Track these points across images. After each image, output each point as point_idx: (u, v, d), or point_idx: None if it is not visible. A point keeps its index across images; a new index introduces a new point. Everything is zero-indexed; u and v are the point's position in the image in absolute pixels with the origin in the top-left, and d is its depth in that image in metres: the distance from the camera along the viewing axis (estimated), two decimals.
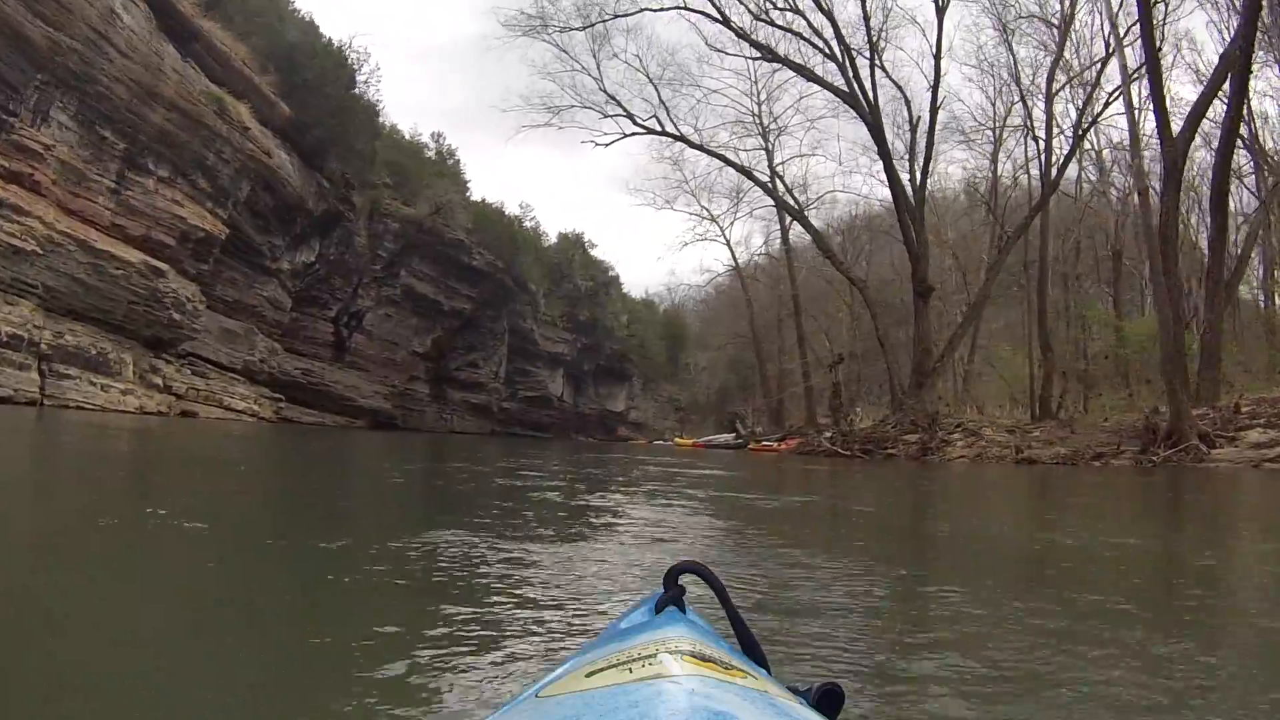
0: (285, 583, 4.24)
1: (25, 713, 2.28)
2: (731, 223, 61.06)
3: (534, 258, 64.43)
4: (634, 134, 37.86)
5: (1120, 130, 37.70)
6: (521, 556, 5.02)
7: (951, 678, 2.81)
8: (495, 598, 3.91)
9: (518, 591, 4.04)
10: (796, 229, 50.15)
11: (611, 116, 37.69)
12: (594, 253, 72.91)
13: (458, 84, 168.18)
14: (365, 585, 4.12)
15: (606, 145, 38.16)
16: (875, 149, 35.52)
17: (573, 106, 37.75)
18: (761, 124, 42.35)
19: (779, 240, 56.91)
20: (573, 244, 70.91)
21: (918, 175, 35.32)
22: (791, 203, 38.65)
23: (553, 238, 70.43)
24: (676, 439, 62.22)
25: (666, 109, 37.82)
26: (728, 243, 58.51)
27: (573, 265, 69.76)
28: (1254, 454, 17.38)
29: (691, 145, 38.39)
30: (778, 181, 40.04)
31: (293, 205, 40.26)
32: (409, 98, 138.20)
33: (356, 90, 44.07)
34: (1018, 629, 3.62)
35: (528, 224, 66.66)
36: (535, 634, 3.25)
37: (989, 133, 40.85)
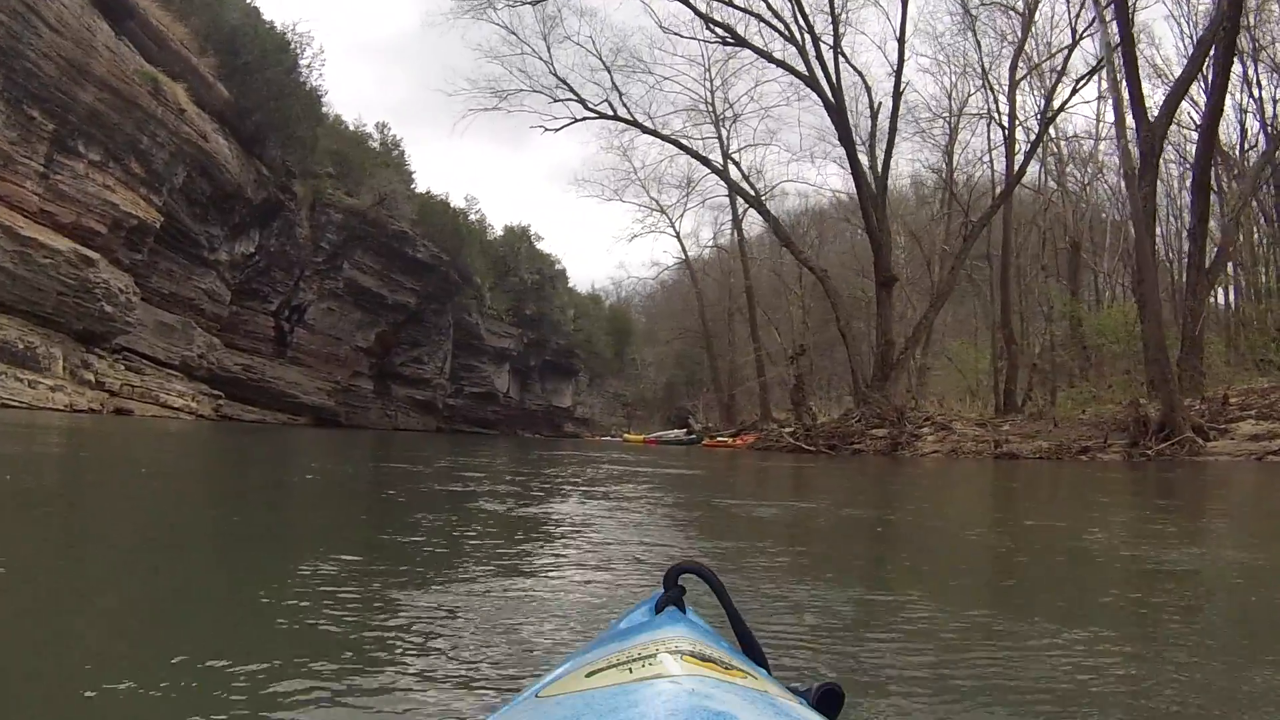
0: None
1: None
2: (681, 214, 60.04)
3: (479, 250, 63.03)
4: (585, 118, 36.70)
5: (1085, 119, 37.80)
6: (448, 598, 3.46)
7: None
8: (400, 665, 2.55)
9: (435, 653, 2.67)
10: (748, 221, 49.80)
11: (562, 101, 36.45)
12: (540, 246, 71.64)
13: (400, 78, 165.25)
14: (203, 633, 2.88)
15: (557, 130, 36.96)
16: (836, 134, 34.96)
17: (521, 90, 36.37)
18: (715, 111, 41.56)
19: (729, 232, 56.48)
20: (519, 236, 69.49)
21: (879, 162, 34.89)
22: (749, 189, 37.84)
23: (498, 230, 69.03)
24: (626, 435, 61.28)
25: (619, 93, 36.73)
26: (677, 235, 57.50)
27: (519, 258, 68.39)
28: (1255, 446, 16.94)
29: (645, 130, 37.38)
30: (732, 168, 39.20)
31: (231, 193, 38.34)
32: (351, 93, 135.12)
33: (299, 76, 42.21)
34: None
35: (473, 217, 65.25)
36: None
37: (943, 123, 40.69)
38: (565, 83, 36.18)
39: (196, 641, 2.63)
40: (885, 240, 34.63)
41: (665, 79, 43.85)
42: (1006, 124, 35.64)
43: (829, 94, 33.03)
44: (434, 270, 55.74)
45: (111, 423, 27.85)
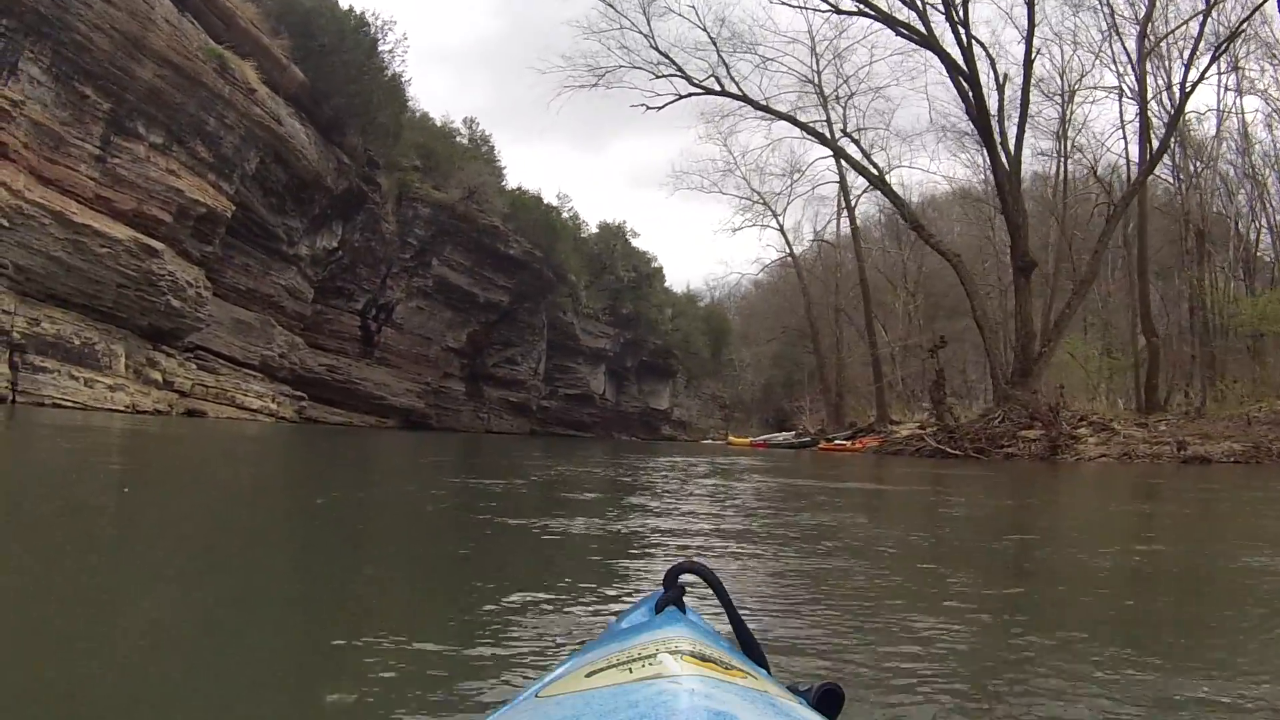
0: None
1: None
2: (785, 206, 55.61)
3: (573, 248, 59.78)
4: (691, 94, 32.85)
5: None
6: None
7: None
8: None
9: None
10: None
11: (665, 77, 32.76)
12: (635, 243, 68.05)
13: (479, 83, 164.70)
14: None
15: (660, 108, 33.20)
16: (963, 106, 30.57)
17: (621, 67, 32.87)
18: (823, 91, 37.15)
19: (834, 225, 52.08)
20: (614, 233, 66.08)
21: (1009, 140, 30.26)
22: (870, 168, 33.28)
23: (593, 227, 65.67)
24: (730, 438, 56.97)
25: (726, 66, 32.74)
26: (781, 229, 53.21)
27: (614, 255, 64.99)
28: None
29: (756, 106, 33.23)
30: (849, 146, 34.64)
31: (309, 182, 35.67)
32: (430, 98, 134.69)
33: (380, 60, 39.45)
34: None
35: (565, 215, 61.99)
36: None
37: (1056, 102, 36.11)
38: (668, 57, 32.55)
39: None
40: (1022, 222, 30.04)
41: (769, 59, 39.73)
42: (1136, 98, 31.27)
43: (959, 60, 28.53)
44: (527, 267, 52.71)
45: (178, 425, 25.24)
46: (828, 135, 35.75)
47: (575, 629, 2.88)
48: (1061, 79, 35.55)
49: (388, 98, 39.38)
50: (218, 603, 3.22)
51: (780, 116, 33.80)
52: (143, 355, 29.15)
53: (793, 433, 50.64)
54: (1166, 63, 33.73)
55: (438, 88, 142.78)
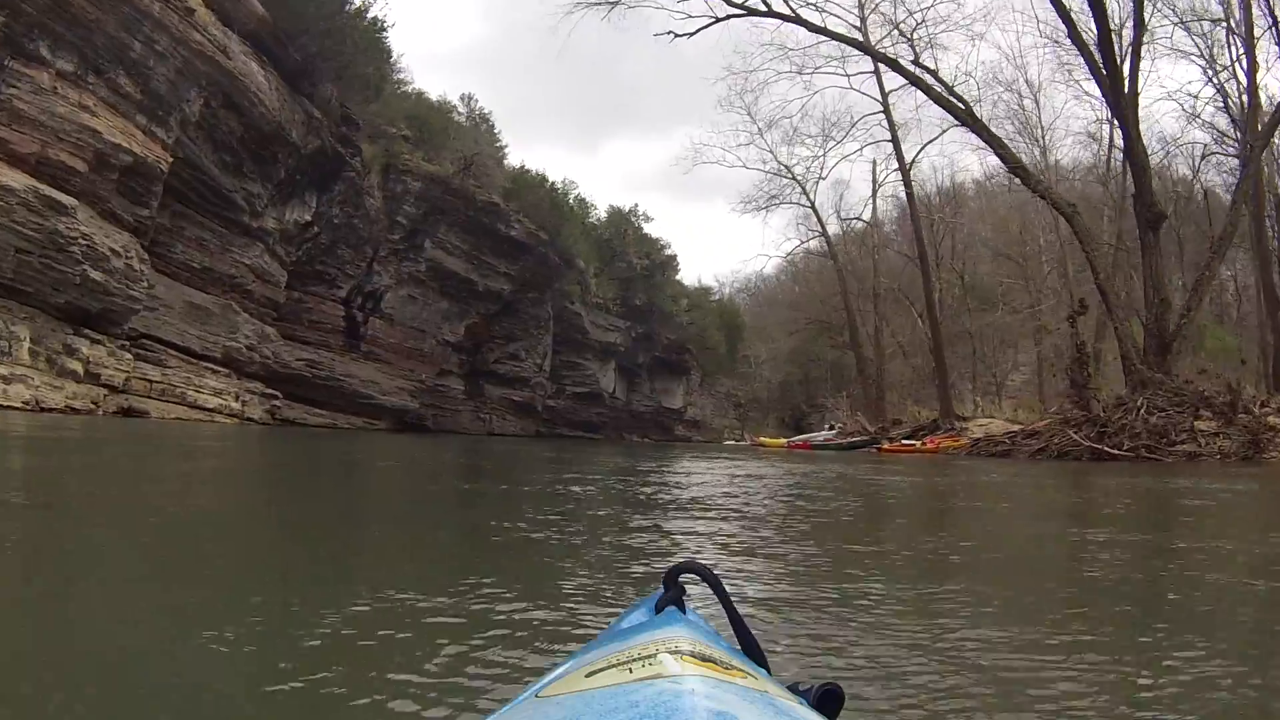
0: None
1: None
2: (817, 181, 49.26)
3: (581, 233, 53.24)
4: (730, 16, 26.46)
5: None
6: None
7: None
8: None
9: None
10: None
11: None
12: (648, 229, 61.42)
13: (472, 88, 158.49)
14: None
15: (691, 35, 26.96)
16: (1066, 30, 24.52)
17: None
18: (894, 20, 30.62)
19: (865, 209, 45.89)
20: (624, 218, 59.48)
21: (1124, 69, 24.10)
22: (955, 102, 26.60)
23: (601, 213, 58.96)
24: (760, 438, 50.34)
25: None
26: (813, 206, 46.94)
27: (625, 242, 58.40)
28: None
29: (812, 28, 26.82)
30: (928, 78, 27.82)
31: (269, 135, 29.06)
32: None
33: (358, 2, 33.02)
34: None
35: (571, 198, 55.24)
36: None
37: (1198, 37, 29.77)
38: None
39: None
40: (1145, 163, 23.93)
41: None
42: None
43: None
44: (531, 251, 46.21)
45: (95, 427, 18.98)
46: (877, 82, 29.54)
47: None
48: None
49: (367, 44, 32.90)
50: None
51: (846, 42, 27.43)
52: (58, 341, 22.74)
53: (834, 432, 44.13)
54: None
55: (431, 91, 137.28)
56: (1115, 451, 17.64)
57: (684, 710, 0.56)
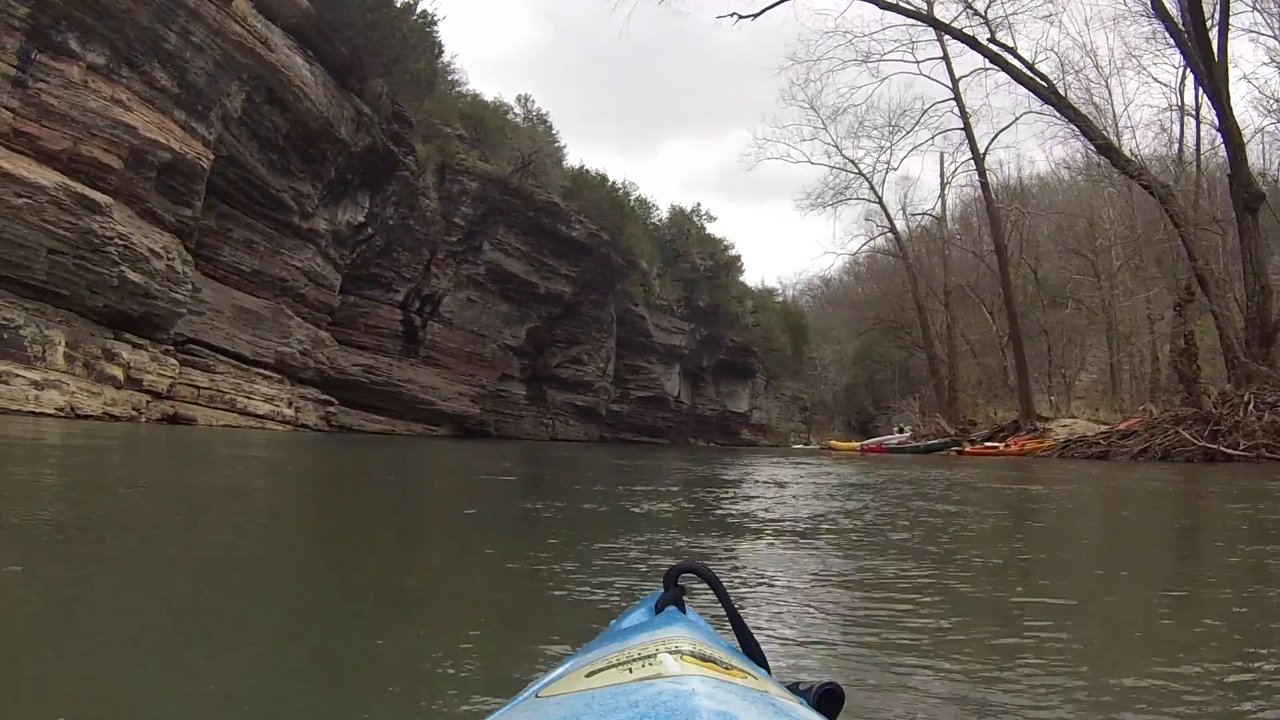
0: None
1: None
2: (887, 167, 46.89)
3: (643, 233, 51.48)
4: None
5: None
6: None
7: None
8: None
9: None
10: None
11: None
12: (710, 229, 59.36)
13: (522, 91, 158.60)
14: None
15: (755, 16, 25.24)
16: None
17: None
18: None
19: (934, 204, 43.29)
20: (686, 218, 57.55)
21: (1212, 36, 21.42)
22: (1038, 81, 24.21)
23: (663, 213, 57.13)
24: (832, 442, 48.02)
25: None
26: (880, 201, 44.57)
27: (688, 242, 56.46)
28: None
29: (884, 5, 24.83)
30: (1008, 59, 25.42)
31: (317, 133, 27.92)
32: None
33: None
34: None
35: (632, 198, 53.46)
36: None
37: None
38: None
39: None
40: (1239, 140, 21.41)
41: None
42: None
43: None
44: (592, 252, 44.59)
45: (135, 433, 17.92)
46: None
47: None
48: None
49: (416, 38, 31.66)
50: None
51: (917, 17, 25.45)
52: (97, 346, 21.77)
53: (906, 434, 41.65)
54: None
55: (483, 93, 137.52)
56: (1232, 451, 15.30)
57: (684, 710, 0.55)
